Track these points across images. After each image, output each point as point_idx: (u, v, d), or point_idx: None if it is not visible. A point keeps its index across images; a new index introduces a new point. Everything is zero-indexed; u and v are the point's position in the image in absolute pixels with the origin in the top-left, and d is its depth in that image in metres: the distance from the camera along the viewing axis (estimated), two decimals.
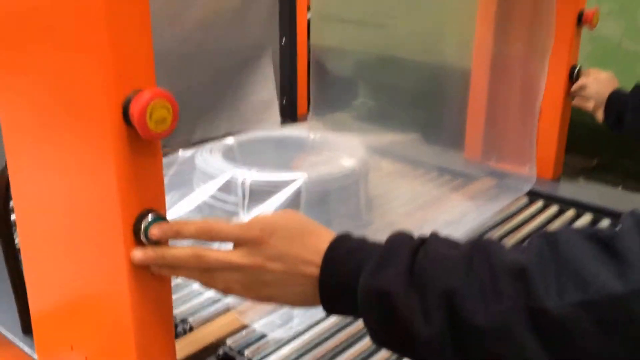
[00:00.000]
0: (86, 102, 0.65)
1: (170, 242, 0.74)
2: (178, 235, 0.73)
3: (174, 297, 0.79)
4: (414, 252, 0.73)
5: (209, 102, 2.00)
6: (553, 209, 1.64)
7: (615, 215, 1.51)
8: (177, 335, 1.05)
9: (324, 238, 0.76)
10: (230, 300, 1.13)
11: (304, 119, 2.33)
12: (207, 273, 0.75)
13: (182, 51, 1.79)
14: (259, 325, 1.09)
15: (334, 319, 1.11)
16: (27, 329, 1.04)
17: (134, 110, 0.61)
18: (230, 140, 1.59)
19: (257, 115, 2.14)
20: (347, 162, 1.42)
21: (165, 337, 0.77)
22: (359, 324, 1.09)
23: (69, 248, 0.78)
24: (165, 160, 1.12)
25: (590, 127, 1.76)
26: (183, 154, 1.49)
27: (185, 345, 1.04)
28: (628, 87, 1.66)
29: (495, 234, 1.50)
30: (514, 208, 1.64)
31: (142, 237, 0.69)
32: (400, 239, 0.76)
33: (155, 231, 0.69)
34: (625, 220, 0.69)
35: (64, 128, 0.70)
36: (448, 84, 1.80)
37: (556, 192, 1.73)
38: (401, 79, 1.87)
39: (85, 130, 0.67)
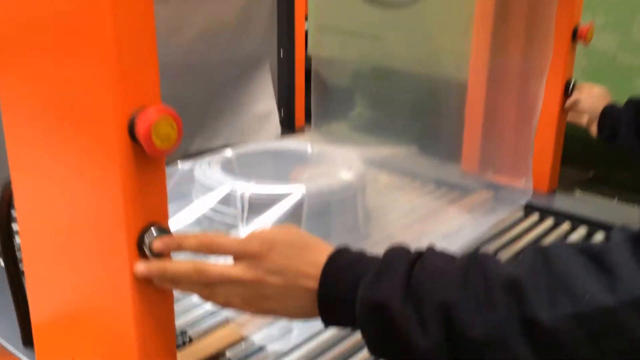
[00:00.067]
0: (92, 118, 0.67)
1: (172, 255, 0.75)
2: (179, 248, 0.74)
3: None
4: (411, 265, 0.74)
5: (207, 113, 2.02)
6: (548, 222, 1.66)
7: (609, 229, 1.52)
8: (176, 347, 1.05)
9: (322, 252, 0.78)
10: (229, 312, 1.14)
11: (301, 130, 2.34)
12: (208, 287, 0.76)
13: (181, 63, 1.81)
14: (258, 337, 1.10)
15: (332, 331, 1.12)
16: (27, 340, 1.04)
17: (140, 127, 0.63)
18: (229, 153, 1.60)
19: (256, 126, 2.16)
20: (346, 175, 1.44)
21: (167, 350, 0.78)
22: (358, 336, 1.09)
23: (72, 260, 0.78)
24: None
25: (586, 140, 1.78)
26: (182, 166, 1.50)
27: (184, 357, 1.04)
28: (623, 100, 1.67)
29: (492, 246, 1.51)
30: (510, 221, 1.65)
31: (146, 251, 0.70)
32: (397, 253, 0.77)
33: (158, 244, 0.71)
34: (615, 234, 0.72)
35: (70, 143, 0.71)
36: (445, 96, 1.82)
37: (552, 205, 1.74)
38: (398, 91, 1.88)
39: (91, 146, 0.68)
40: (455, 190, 1.79)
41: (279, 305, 0.77)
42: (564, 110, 1.78)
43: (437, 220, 1.62)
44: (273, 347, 1.08)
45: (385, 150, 1.79)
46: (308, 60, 2.37)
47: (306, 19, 2.30)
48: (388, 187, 1.79)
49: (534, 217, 1.68)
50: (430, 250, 0.78)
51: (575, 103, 1.75)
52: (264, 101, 2.17)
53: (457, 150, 1.86)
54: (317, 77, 2.04)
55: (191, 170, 1.48)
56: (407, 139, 1.80)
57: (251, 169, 1.57)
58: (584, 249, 0.71)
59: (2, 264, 1.21)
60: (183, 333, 1.10)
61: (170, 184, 1.42)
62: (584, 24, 1.72)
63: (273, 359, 1.07)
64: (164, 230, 0.71)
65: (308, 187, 1.31)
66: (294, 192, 1.30)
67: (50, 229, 0.80)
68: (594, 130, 1.72)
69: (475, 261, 0.74)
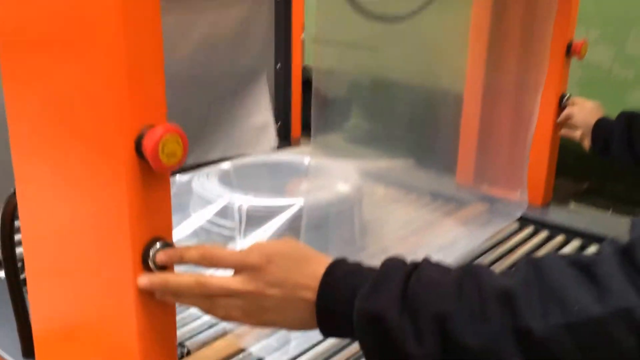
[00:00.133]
0: (100, 134, 0.68)
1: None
2: (181, 260, 0.75)
3: None
4: (407, 276, 0.76)
5: (205, 125, 2.03)
6: (543, 234, 1.67)
7: (602, 241, 1.53)
8: None
9: (320, 264, 0.79)
10: (227, 323, 1.15)
11: (297, 142, 2.36)
12: (208, 300, 0.77)
13: (179, 75, 1.82)
14: (255, 349, 1.11)
15: (330, 342, 1.13)
16: (28, 352, 1.04)
17: (147, 144, 0.65)
18: (226, 165, 1.61)
19: (253, 139, 2.17)
20: (343, 188, 1.45)
21: None
22: (355, 346, 1.11)
23: (76, 273, 0.80)
24: None
25: (580, 151, 1.79)
26: (180, 178, 1.51)
27: None
28: (618, 112, 1.69)
29: (486, 259, 1.52)
30: (504, 234, 1.67)
31: (151, 265, 0.71)
32: (393, 264, 0.79)
33: (161, 257, 0.72)
34: (605, 247, 0.75)
35: (77, 158, 0.72)
36: (441, 108, 1.83)
37: (546, 217, 1.76)
38: (394, 103, 1.89)
39: (98, 161, 0.70)
40: (451, 203, 1.81)
41: (278, 316, 0.79)
42: (557, 124, 1.80)
43: (433, 232, 1.63)
44: (271, 359, 1.09)
45: (381, 163, 1.80)
46: (304, 71, 2.39)
47: (303, 29, 2.31)
48: (384, 199, 1.80)
49: (529, 229, 1.70)
50: (426, 262, 0.80)
51: (568, 117, 1.77)
52: (261, 113, 2.18)
53: (453, 163, 1.88)
54: (317, 89, 2.04)
55: (189, 183, 1.49)
56: (402, 151, 1.80)
57: (249, 181, 1.58)
58: (575, 261, 0.74)
59: (2, 276, 1.22)
60: (181, 345, 1.10)
61: None
62: (577, 39, 1.74)
63: None
64: (167, 245, 0.72)
65: (306, 200, 1.32)
66: (291, 205, 1.32)
67: (54, 241, 0.82)
68: (587, 143, 1.73)
69: (469, 273, 0.76)
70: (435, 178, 1.84)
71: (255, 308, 0.78)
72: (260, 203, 1.34)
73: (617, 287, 0.69)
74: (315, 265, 0.79)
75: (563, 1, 1.64)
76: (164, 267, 0.73)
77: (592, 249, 1.56)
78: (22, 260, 0.89)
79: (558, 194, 1.93)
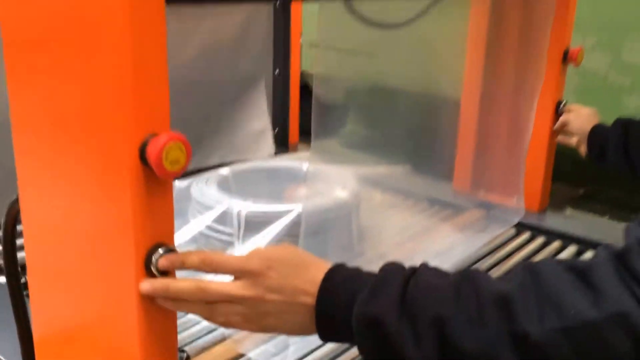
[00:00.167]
0: (105, 142, 0.69)
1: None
2: (183, 265, 0.76)
3: None
4: (405, 281, 0.77)
5: (203, 131, 2.03)
6: (539, 240, 1.68)
7: (597, 246, 1.54)
8: None
9: (319, 269, 0.80)
10: (226, 329, 1.16)
11: (295, 147, 2.37)
12: (209, 306, 0.78)
13: (178, 82, 1.82)
14: (254, 354, 1.12)
15: (328, 347, 1.14)
16: (28, 357, 1.05)
17: (151, 152, 0.66)
18: (225, 171, 1.62)
19: (250, 144, 2.18)
20: (341, 194, 1.45)
21: None
22: (353, 351, 1.12)
23: (78, 278, 0.80)
24: None
25: (576, 157, 1.80)
26: (179, 184, 1.51)
27: None
28: (614, 119, 1.69)
29: (483, 265, 1.53)
30: (501, 239, 1.68)
31: (154, 270, 0.72)
32: (392, 269, 0.80)
33: (163, 262, 0.73)
34: (600, 253, 0.77)
35: (81, 164, 0.73)
36: (439, 114, 1.83)
37: (543, 223, 1.76)
38: (391, 109, 1.89)
39: (102, 168, 0.71)
40: (448, 209, 1.81)
41: (278, 322, 0.80)
42: (554, 131, 1.81)
43: (430, 238, 1.64)
44: None
45: (379, 169, 1.81)
46: (301, 76, 2.40)
47: (300, 35, 2.32)
48: (381, 205, 1.81)
49: (525, 235, 1.71)
50: (424, 267, 0.81)
51: (564, 124, 1.78)
52: (259, 119, 2.19)
53: (450, 169, 1.89)
54: (317, 95, 2.05)
55: (188, 188, 1.49)
56: (400, 156, 1.81)
57: (248, 187, 1.59)
58: (571, 266, 0.75)
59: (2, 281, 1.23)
60: (180, 350, 1.11)
61: None
62: (574, 47, 1.75)
63: None
64: (170, 250, 0.73)
65: (305, 205, 1.33)
66: (290, 210, 1.32)
67: (57, 246, 0.82)
68: (583, 150, 1.74)
69: (467, 278, 0.77)
70: (433, 184, 1.85)
71: (255, 313, 0.79)
72: (259, 209, 1.34)
73: (612, 292, 0.70)
74: (314, 271, 0.80)
75: (560, 9, 1.65)
76: (166, 273, 0.74)
77: (588, 255, 1.57)
78: (22, 265, 0.90)
79: (555, 200, 1.94)
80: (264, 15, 2.16)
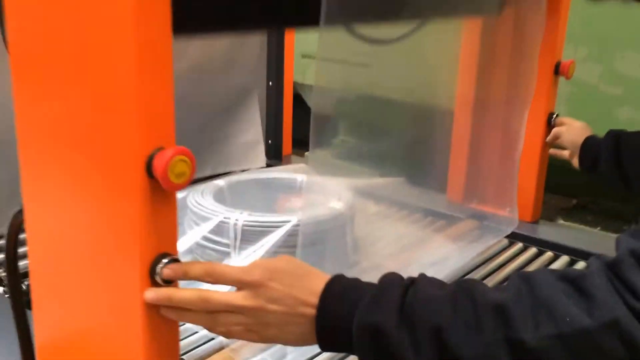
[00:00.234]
0: (112, 156, 0.71)
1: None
2: (186, 275, 0.77)
3: None
4: (404, 291, 0.80)
5: (196, 143, 2.04)
6: (532, 251, 1.70)
7: (590, 257, 1.55)
8: None
9: (320, 280, 0.82)
10: (223, 337, 1.16)
11: (288, 159, 2.38)
12: (211, 316, 0.79)
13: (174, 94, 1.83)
14: None
15: (326, 356, 1.15)
16: None
17: (158, 166, 0.68)
18: (221, 182, 1.63)
19: (242, 156, 2.19)
20: (337, 205, 1.47)
21: None
22: (351, 358, 1.13)
23: (82, 287, 0.81)
24: None
25: (568, 168, 1.81)
26: None
27: None
28: (608, 129, 1.70)
29: (477, 275, 1.55)
30: (494, 250, 1.69)
31: (158, 279, 0.73)
32: (391, 280, 0.82)
33: (168, 272, 0.74)
34: (592, 263, 0.79)
35: (88, 178, 0.75)
36: (433, 126, 1.84)
37: (535, 234, 1.78)
38: (382, 119, 1.90)
39: (109, 181, 0.72)
40: (442, 220, 1.83)
41: (279, 332, 0.81)
42: (546, 143, 1.82)
43: (424, 248, 1.65)
44: None
45: (374, 181, 1.82)
46: (294, 87, 2.41)
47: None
48: (376, 216, 1.82)
49: (518, 246, 1.73)
50: (422, 277, 0.83)
51: (557, 137, 1.79)
52: (251, 131, 2.21)
53: (444, 181, 1.90)
54: (317, 106, 2.05)
55: (183, 199, 1.50)
56: (391, 167, 1.82)
57: (243, 198, 1.60)
58: (564, 275, 0.78)
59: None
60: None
61: None
62: (566, 58, 1.77)
63: None
64: (174, 260, 0.74)
65: (302, 216, 1.34)
66: (286, 221, 1.34)
67: (61, 256, 0.83)
68: (576, 162, 1.76)
69: (464, 287, 0.80)
70: (427, 195, 1.86)
71: (256, 324, 0.80)
72: (255, 220, 1.36)
73: (605, 300, 0.73)
74: (314, 282, 0.82)
75: (552, 23, 1.67)
76: (170, 282, 0.75)
77: (580, 265, 1.58)
78: (25, 273, 0.91)
79: (546, 211, 1.96)
80: None
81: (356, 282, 0.83)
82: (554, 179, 1.99)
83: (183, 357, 1.13)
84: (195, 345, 1.18)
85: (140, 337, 0.74)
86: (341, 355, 1.14)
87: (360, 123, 2.08)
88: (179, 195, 1.50)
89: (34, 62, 0.78)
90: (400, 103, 1.81)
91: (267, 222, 1.35)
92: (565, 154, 1.80)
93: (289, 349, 1.13)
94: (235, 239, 1.35)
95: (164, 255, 0.74)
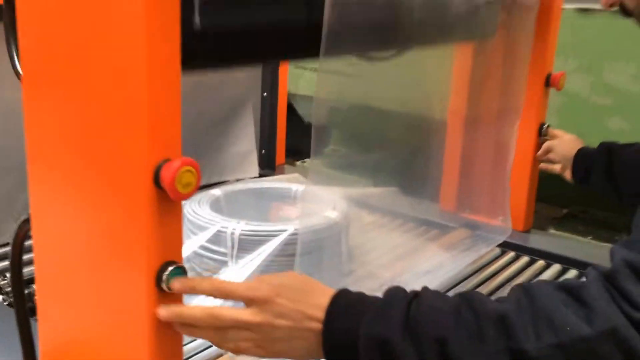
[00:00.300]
0: (121, 167, 0.73)
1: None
2: (193, 290, 0.79)
3: None
4: (408, 304, 0.82)
5: (190, 153, 2.05)
6: (524, 259, 1.72)
7: (581, 265, 1.59)
8: None
9: (325, 295, 0.84)
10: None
11: (281, 169, 2.40)
12: (220, 332, 0.81)
13: None
14: None
15: None
16: None
17: (165, 176, 0.70)
18: (217, 192, 1.64)
19: (235, 165, 2.21)
20: (333, 214, 1.48)
21: None
22: None
23: (88, 295, 0.83)
24: None
25: (560, 178, 1.83)
26: None
27: None
28: (598, 139, 1.72)
29: (469, 283, 1.56)
30: (486, 259, 1.71)
31: (164, 287, 0.75)
32: (395, 293, 0.85)
33: (176, 285, 0.76)
34: (589, 273, 0.82)
35: (96, 188, 0.77)
36: (426, 136, 1.86)
37: (527, 243, 1.80)
38: (374, 129, 1.91)
39: (117, 191, 0.74)
40: (435, 229, 1.85)
41: (286, 347, 0.83)
42: (537, 157, 1.84)
43: (418, 257, 1.66)
44: None
45: (367, 190, 1.83)
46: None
47: None
48: (370, 225, 1.83)
49: (510, 255, 1.75)
50: (426, 290, 0.86)
51: (548, 150, 1.80)
52: (245, 141, 2.23)
53: (437, 190, 1.91)
54: (318, 116, 2.06)
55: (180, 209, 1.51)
56: (385, 177, 1.83)
57: (239, 207, 1.62)
58: (563, 286, 0.81)
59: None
60: None
61: None
62: (557, 70, 1.80)
63: None
64: (179, 268, 0.76)
65: (299, 226, 1.36)
66: (283, 230, 1.35)
67: (67, 263, 0.85)
68: (568, 175, 1.77)
69: (466, 299, 0.83)
70: (420, 205, 1.87)
71: (264, 339, 0.82)
72: (252, 229, 1.37)
73: (603, 309, 0.75)
74: (320, 297, 0.84)
75: (542, 36, 1.70)
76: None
77: (571, 273, 1.60)
78: (30, 280, 0.93)
79: (537, 220, 1.98)
80: None
81: (361, 296, 0.86)
82: (546, 189, 2.00)
83: None
84: (197, 350, 1.19)
85: (146, 344, 0.76)
86: None
87: (352, 133, 2.09)
88: None
89: (44, 75, 0.80)
90: (393, 113, 1.82)
91: (263, 231, 1.37)
92: (557, 167, 1.80)
93: None
94: (233, 248, 1.37)
95: (170, 263, 0.75)
